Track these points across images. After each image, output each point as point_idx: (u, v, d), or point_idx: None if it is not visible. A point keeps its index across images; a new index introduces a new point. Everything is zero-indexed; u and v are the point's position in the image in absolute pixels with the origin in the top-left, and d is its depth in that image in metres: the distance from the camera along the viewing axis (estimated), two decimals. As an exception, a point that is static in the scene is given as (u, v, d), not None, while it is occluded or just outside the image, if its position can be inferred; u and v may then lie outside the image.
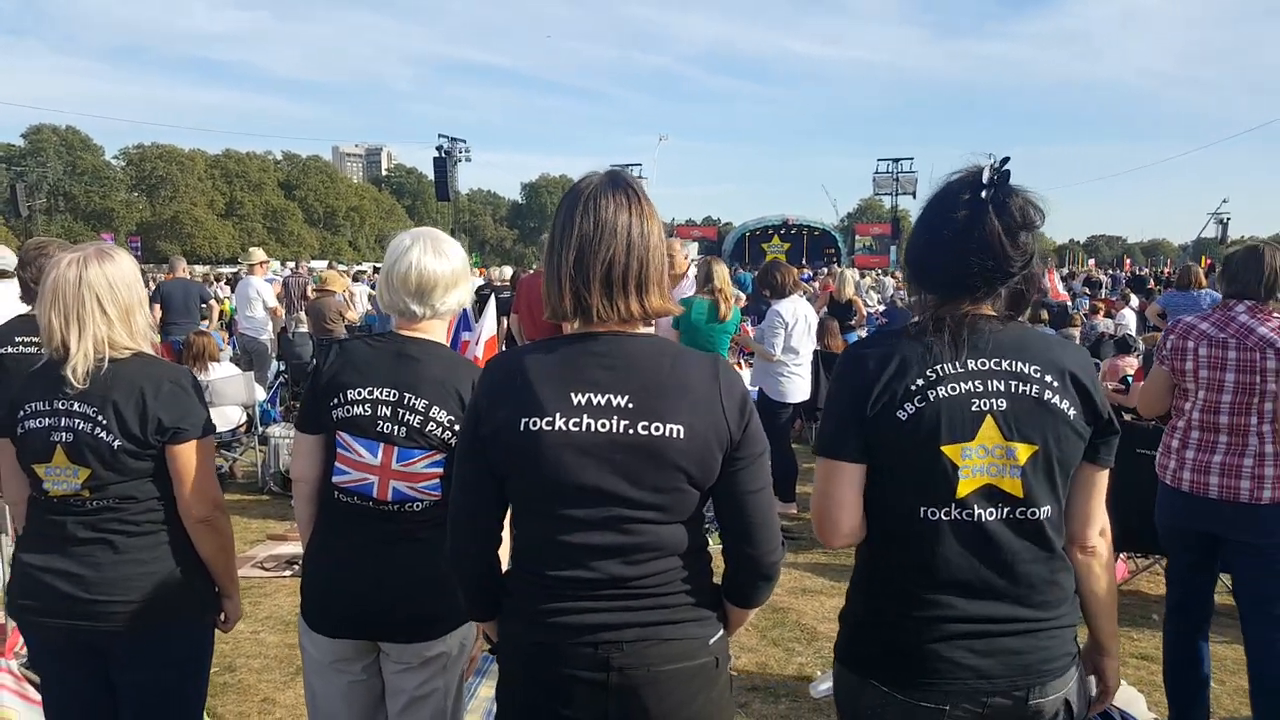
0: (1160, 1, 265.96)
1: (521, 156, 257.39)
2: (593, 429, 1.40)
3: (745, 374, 7.05)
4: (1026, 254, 1.48)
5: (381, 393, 1.90)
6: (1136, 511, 4.22)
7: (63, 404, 1.94)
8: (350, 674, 2.01)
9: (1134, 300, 15.31)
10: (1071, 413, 1.48)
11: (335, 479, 1.95)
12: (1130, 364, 8.24)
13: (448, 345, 2.07)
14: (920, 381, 1.46)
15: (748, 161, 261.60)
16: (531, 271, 7.35)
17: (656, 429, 1.40)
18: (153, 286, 11.56)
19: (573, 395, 1.41)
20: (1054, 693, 1.52)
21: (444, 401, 1.91)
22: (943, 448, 1.45)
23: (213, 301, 10.23)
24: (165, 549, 2.04)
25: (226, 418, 6.48)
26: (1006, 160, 1.49)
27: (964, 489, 1.46)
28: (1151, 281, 22.83)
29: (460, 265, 2.01)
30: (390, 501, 1.93)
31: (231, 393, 6.41)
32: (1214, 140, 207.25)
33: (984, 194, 1.46)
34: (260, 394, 6.69)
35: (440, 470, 1.93)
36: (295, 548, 4.98)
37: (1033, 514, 1.49)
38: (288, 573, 4.83)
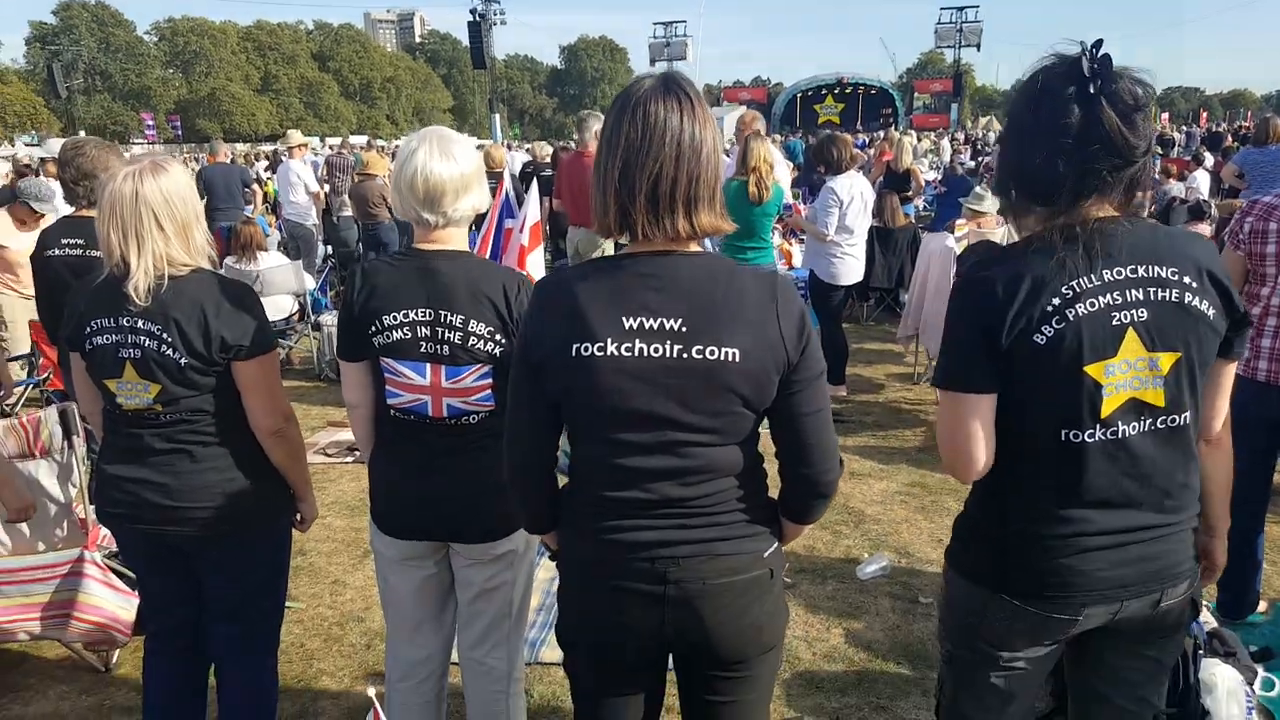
0: None
1: (559, 16, 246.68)
2: (645, 353, 1.38)
3: (796, 253, 6.87)
4: (1148, 139, 1.40)
5: (417, 314, 1.88)
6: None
7: (127, 320, 1.97)
8: (423, 569, 2.10)
9: (1208, 159, 14.44)
10: (1211, 313, 1.44)
11: (390, 400, 1.96)
12: (1204, 231, 7.87)
13: (471, 250, 2.02)
14: (1056, 301, 1.39)
15: (800, 14, 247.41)
16: (573, 149, 7.13)
17: (711, 352, 1.37)
18: (196, 168, 11.55)
19: (624, 320, 1.38)
20: (1182, 595, 1.56)
21: (479, 313, 1.89)
22: (1086, 368, 1.40)
23: (255, 186, 10.19)
24: (240, 457, 2.10)
25: (278, 306, 6.56)
26: (1100, 44, 1.39)
27: (1108, 407, 1.42)
28: (1230, 138, 21.46)
29: (471, 168, 1.92)
30: (447, 418, 1.94)
31: (281, 281, 6.46)
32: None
33: (1092, 87, 1.36)
34: (310, 282, 6.75)
35: (490, 381, 1.92)
36: (355, 434, 5.13)
37: (1174, 421, 1.47)
38: (349, 459, 5.00)
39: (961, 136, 30.23)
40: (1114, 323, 1.40)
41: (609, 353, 1.38)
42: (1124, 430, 1.44)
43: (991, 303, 1.42)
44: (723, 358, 1.37)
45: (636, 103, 1.38)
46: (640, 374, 1.38)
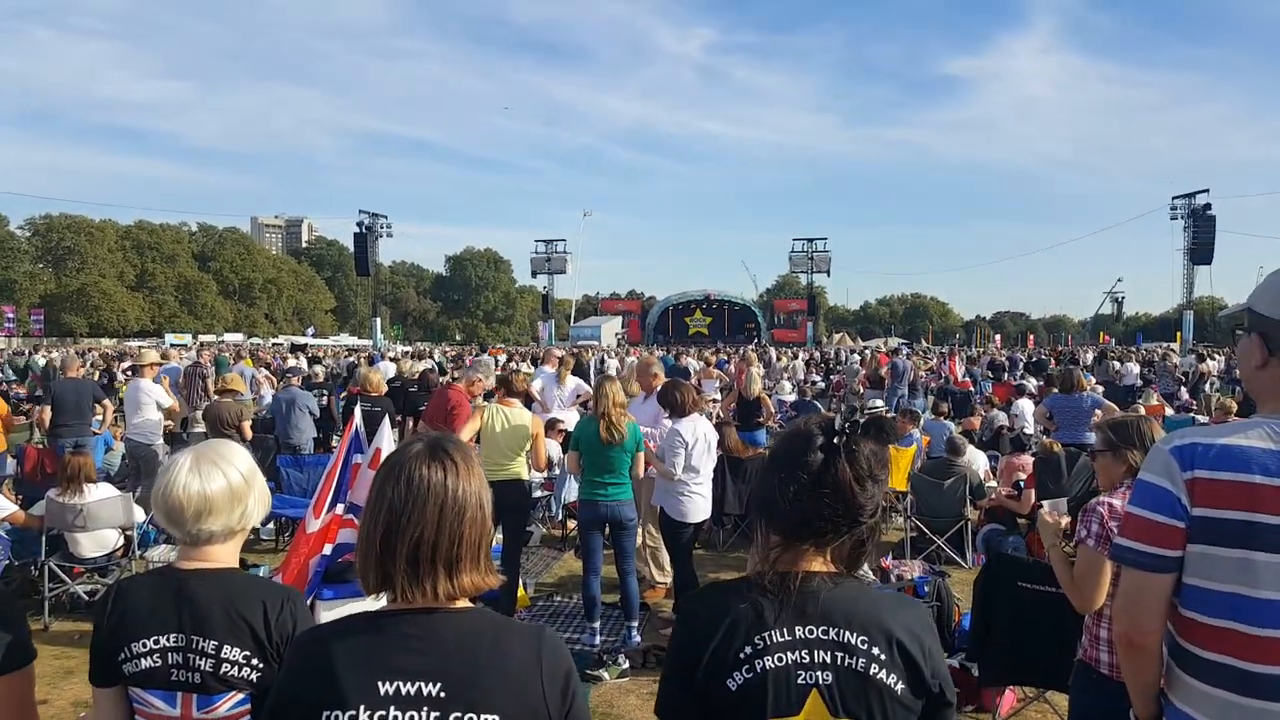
0: (1053, 92, 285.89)
1: (446, 229, 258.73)
2: None
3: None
4: (875, 505, 1.50)
5: (167, 639, 1.80)
6: (1023, 644, 4.30)
7: None
8: None
9: (1031, 384, 15.93)
10: (899, 687, 1.43)
11: None
12: (1026, 464, 8.46)
13: (235, 567, 1.96)
14: (748, 649, 1.42)
15: (670, 236, 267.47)
16: (445, 380, 7.23)
17: None
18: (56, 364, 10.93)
19: (380, 685, 1.34)
20: None
21: (234, 637, 1.82)
22: None
23: (106, 401, 9.76)
24: None
25: (102, 542, 6.14)
26: (857, 411, 1.56)
27: None
28: (1053, 362, 23.89)
29: (221, 488, 1.86)
30: None
31: (107, 515, 6.06)
32: (1108, 225, 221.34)
33: (836, 440, 1.49)
34: (139, 515, 6.31)
35: (247, 708, 1.83)
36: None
37: None
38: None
39: (818, 354, 32.50)
40: (799, 681, 1.41)
41: None
42: None
43: (695, 638, 1.45)
44: None
45: (400, 467, 1.41)
46: None
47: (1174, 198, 51.01)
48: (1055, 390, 10.99)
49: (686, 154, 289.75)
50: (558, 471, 8.50)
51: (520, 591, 6.28)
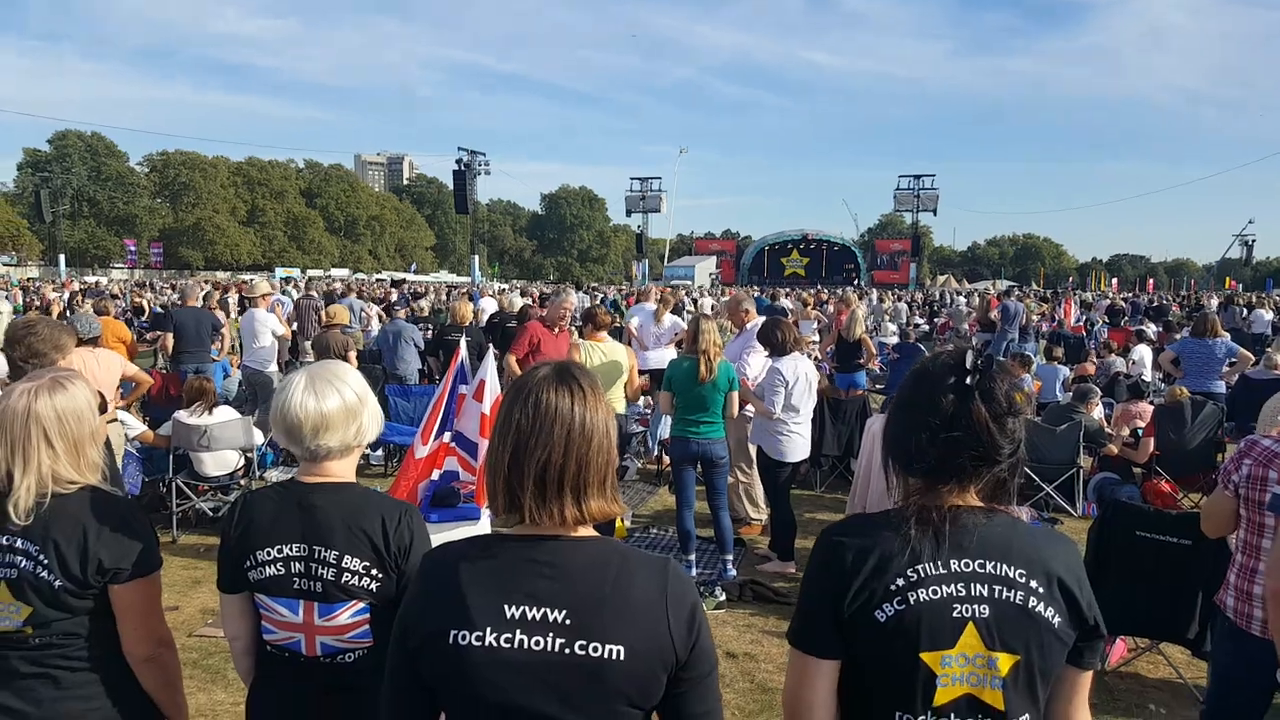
0: (1186, 19, 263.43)
1: (542, 166, 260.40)
2: (526, 646, 1.32)
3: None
4: (1015, 441, 1.45)
5: (291, 549, 1.87)
6: (1138, 593, 4.14)
7: (5, 539, 1.90)
8: None
9: (1151, 330, 15.01)
10: (1056, 620, 1.42)
11: (265, 636, 1.92)
12: (1144, 411, 8.01)
13: (356, 483, 2.00)
14: (900, 582, 1.40)
15: (768, 173, 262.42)
16: (546, 307, 7.28)
17: (595, 649, 1.32)
18: (175, 296, 11.57)
19: (506, 608, 1.34)
20: None
21: (355, 548, 1.86)
22: (921, 655, 1.39)
23: (225, 330, 10.29)
24: (110, 684, 1.98)
25: (224, 462, 6.49)
26: (987, 345, 1.47)
27: (941, 698, 1.40)
28: (1176, 306, 22.44)
29: (337, 406, 1.90)
30: (321, 656, 1.89)
31: (229, 437, 6.40)
32: (1241, 163, 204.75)
33: (969, 380, 1.44)
34: (259, 438, 6.67)
35: (367, 616, 1.88)
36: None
37: None
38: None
39: (920, 297, 31.45)
40: (954, 614, 1.40)
41: (487, 643, 1.33)
42: None
43: (839, 570, 1.43)
44: (607, 655, 1.32)
45: (529, 390, 1.41)
46: (520, 668, 1.32)
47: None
48: (1179, 336, 10.32)
49: (788, 87, 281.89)
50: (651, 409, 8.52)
51: (618, 523, 6.37)
